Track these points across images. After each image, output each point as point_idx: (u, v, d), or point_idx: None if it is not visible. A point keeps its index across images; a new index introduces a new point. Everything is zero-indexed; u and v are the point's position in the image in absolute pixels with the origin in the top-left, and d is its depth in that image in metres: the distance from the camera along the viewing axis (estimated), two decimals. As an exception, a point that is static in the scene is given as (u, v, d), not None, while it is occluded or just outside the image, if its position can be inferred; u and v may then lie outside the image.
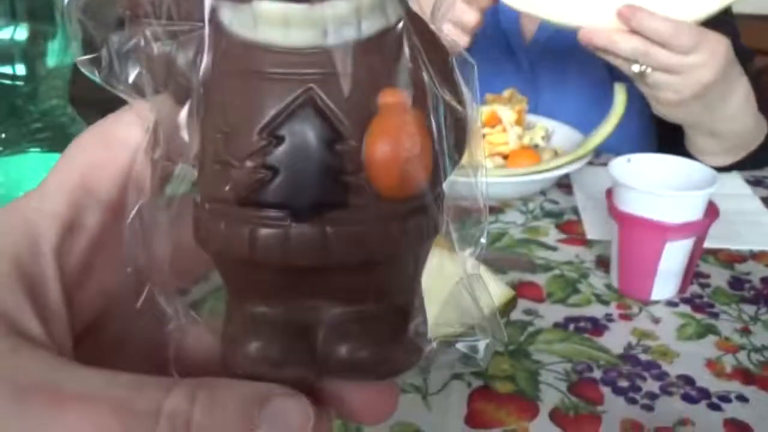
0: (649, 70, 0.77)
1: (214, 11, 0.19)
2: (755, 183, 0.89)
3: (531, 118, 0.92)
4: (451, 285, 0.25)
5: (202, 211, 0.20)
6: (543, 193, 0.85)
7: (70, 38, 0.44)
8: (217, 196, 0.19)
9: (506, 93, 0.90)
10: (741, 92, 0.82)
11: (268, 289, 0.20)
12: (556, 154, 0.88)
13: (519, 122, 0.87)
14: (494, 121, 0.86)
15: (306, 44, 0.19)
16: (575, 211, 0.81)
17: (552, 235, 0.76)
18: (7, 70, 0.44)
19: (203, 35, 0.19)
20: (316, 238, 0.19)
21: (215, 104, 0.19)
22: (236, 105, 0.19)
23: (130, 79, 0.21)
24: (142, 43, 0.20)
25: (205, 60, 0.19)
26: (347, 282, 0.20)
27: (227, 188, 0.19)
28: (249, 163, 0.19)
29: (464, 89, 0.22)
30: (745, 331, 0.59)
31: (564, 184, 0.87)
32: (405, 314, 0.22)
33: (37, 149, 0.46)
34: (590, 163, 0.86)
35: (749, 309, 0.63)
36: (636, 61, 0.77)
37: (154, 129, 0.21)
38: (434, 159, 0.20)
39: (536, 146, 0.89)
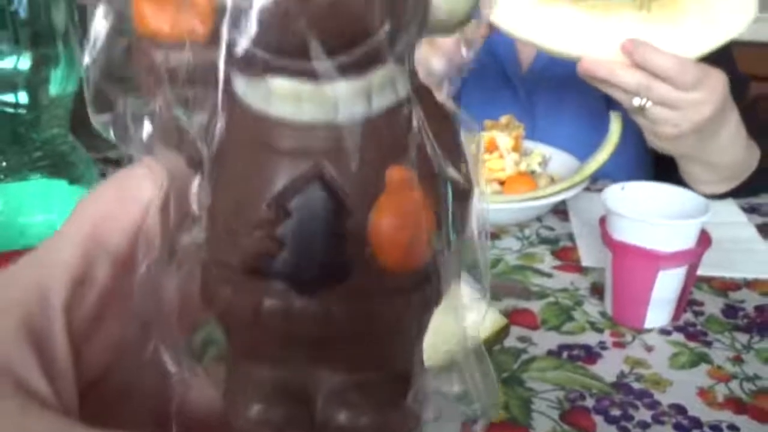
0: (649, 104, 0.77)
1: (228, 81, 0.19)
2: (750, 210, 0.90)
3: (528, 144, 0.93)
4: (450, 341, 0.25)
5: (209, 273, 0.20)
6: (539, 219, 0.86)
7: (73, 68, 0.45)
8: (224, 262, 0.20)
9: (503, 119, 0.91)
10: (733, 123, 0.83)
11: (271, 354, 0.21)
12: (552, 180, 0.88)
13: (516, 148, 0.88)
14: (492, 148, 0.87)
15: (317, 119, 0.19)
16: (571, 237, 0.82)
17: (547, 262, 0.76)
18: (10, 98, 0.45)
19: (217, 103, 0.20)
20: (319, 312, 0.19)
21: (226, 173, 0.20)
22: (246, 175, 0.19)
23: (144, 139, 0.21)
24: (157, 108, 0.21)
25: (218, 128, 0.20)
26: (349, 352, 0.21)
27: (234, 256, 0.19)
28: (257, 234, 0.19)
29: (468, 160, 0.22)
30: (738, 360, 0.60)
31: (560, 210, 0.88)
32: (405, 381, 0.22)
33: (38, 175, 0.47)
34: (587, 189, 0.87)
35: (742, 337, 0.63)
36: (636, 95, 0.77)
37: (167, 189, 0.21)
38: (439, 232, 0.21)
39: (533, 172, 0.90)
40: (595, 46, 0.78)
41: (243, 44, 0.18)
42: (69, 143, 0.47)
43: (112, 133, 0.21)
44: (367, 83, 0.19)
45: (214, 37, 0.18)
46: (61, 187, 0.48)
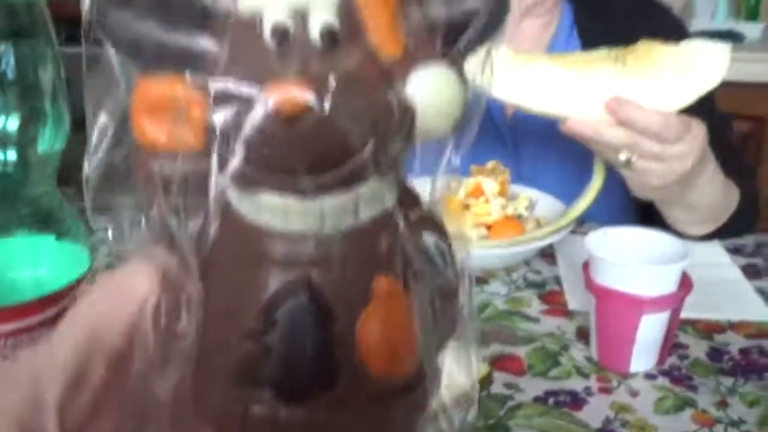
0: (634, 158, 0.78)
1: (221, 191, 0.20)
2: (734, 251, 0.91)
3: (514, 188, 0.94)
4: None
5: (199, 375, 0.21)
6: (526, 262, 0.87)
7: (61, 126, 0.46)
8: (214, 367, 0.21)
9: (489, 165, 0.93)
10: (711, 167, 0.85)
11: None
12: (539, 224, 0.89)
13: (502, 193, 0.89)
14: (478, 193, 0.88)
15: (305, 230, 0.20)
16: (558, 281, 0.82)
17: (534, 306, 0.77)
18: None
19: (209, 212, 0.20)
20: (305, 422, 0.20)
21: (217, 279, 0.21)
22: (237, 283, 0.20)
23: (140, 242, 0.22)
24: (153, 213, 0.21)
25: (211, 235, 0.21)
26: None
27: (224, 362, 0.20)
28: (244, 343, 0.20)
29: (457, 262, 0.23)
30: (723, 404, 0.60)
31: (547, 254, 0.88)
32: None
33: (25, 231, 0.48)
34: (573, 233, 0.88)
35: (727, 381, 0.64)
36: (622, 151, 0.78)
37: (159, 289, 0.22)
38: (425, 340, 0.21)
39: (520, 216, 0.90)
40: (576, 104, 0.78)
41: (233, 162, 0.19)
42: (57, 199, 0.48)
43: (110, 233, 0.22)
44: (354, 196, 0.20)
45: (207, 150, 0.19)
46: (49, 242, 0.48)
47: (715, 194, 0.88)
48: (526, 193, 0.93)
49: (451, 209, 0.85)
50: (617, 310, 0.63)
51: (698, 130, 0.79)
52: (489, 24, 0.23)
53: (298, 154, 0.19)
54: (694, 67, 0.78)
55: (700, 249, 0.89)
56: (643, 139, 0.76)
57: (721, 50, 0.78)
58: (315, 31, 0.19)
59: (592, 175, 0.87)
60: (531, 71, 0.81)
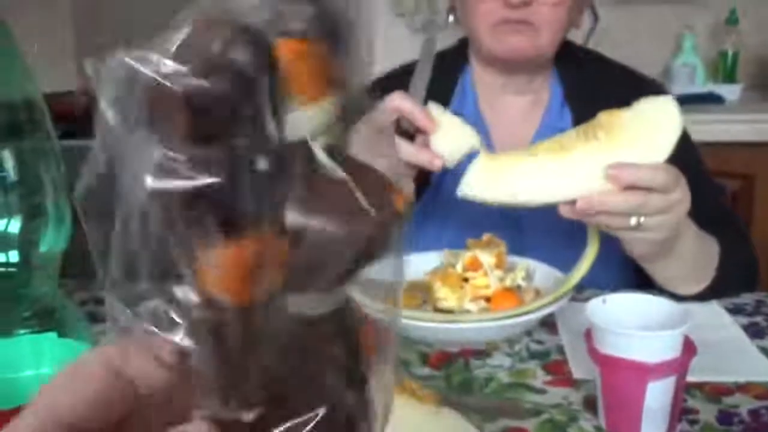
0: (643, 219, 0.79)
1: None
2: (735, 311, 0.91)
3: (511, 259, 0.95)
4: None
5: None
6: (528, 333, 0.87)
7: (63, 225, 0.47)
8: None
9: (485, 238, 0.94)
10: (688, 220, 0.87)
11: None
12: (538, 293, 0.90)
13: (499, 265, 0.90)
14: (476, 266, 0.89)
15: None
16: (561, 350, 0.82)
17: (539, 377, 0.76)
18: (1, 258, 0.46)
19: None
20: None
21: None
22: None
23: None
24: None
25: None
26: None
27: None
28: None
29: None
30: (737, 469, 0.59)
31: (548, 323, 0.88)
32: None
33: (27, 331, 0.48)
34: (573, 300, 0.88)
35: (739, 445, 0.63)
36: (631, 215, 0.79)
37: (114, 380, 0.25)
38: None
39: (518, 287, 0.91)
40: (571, 189, 0.80)
41: None
42: (59, 300, 0.48)
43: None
44: None
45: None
46: (51, 340, 0.49)
47: (694, 241, 0.90)
48: (523, 264, 0.94)
49: (449, 284, 0.86)
50: (622, 378, 0.63)
51: (679, 171, 0.81)
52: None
53: None
54: (657, 121, 0.80)
55: (700, 310, 0.90)
56: (650, 196, 0.78)
57: (666, 100, 0.82)
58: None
59: (587, 241, 0.88)
60: (511, 169, 0.83)
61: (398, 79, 1.14)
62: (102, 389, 0.25)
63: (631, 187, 0.78)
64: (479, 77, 1.11)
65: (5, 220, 0.46)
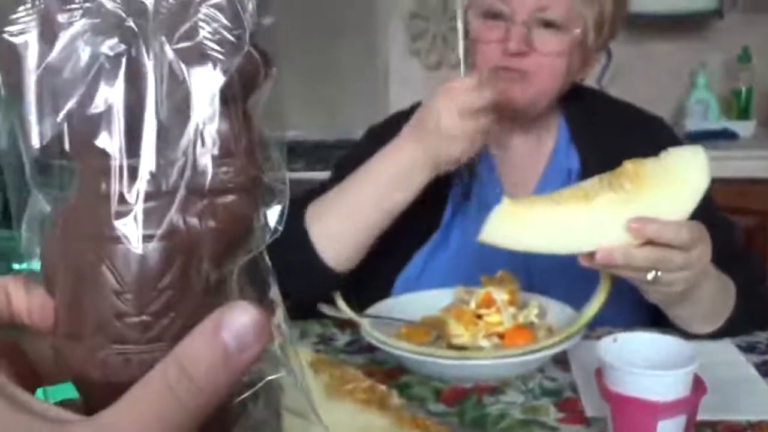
0: (660, 273, 0.80)
1: None
2: (748, 349, 0.91)
3: (524, 296, 0.96)
4: None
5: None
6: (541, 370, 0.88)
7: None
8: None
9: (499, 275, 0.95)
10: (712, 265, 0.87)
11: None
12: (551, 330, 0.91)
13: (512, 302, 0.91)
14: (489, 303, 0.90)
15: None
16: (573, 387, 0.83)
17: (552, 414, 0.77)
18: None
19: None
20: None
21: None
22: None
23: None
24: None
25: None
26: None
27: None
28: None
29: None
30: None
31: (561, 360, 0.89)
32: None
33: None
34: (586, 338, 0.89)
35: (751, 484, 0.63)
36: (650, 270, 0.80)
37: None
38: None
39: (531, 324, 0.92)
40: (591, 240, 0.81)
41: None
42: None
43: None
44: None
45: None
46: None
47: (710, 293, 0.90)
48: (536, 301, 0.95)
49: (463, 320, 0.87)
50: (633, 416, 0.64)
51: (702, 227, 0.82)
52: None
53: None
54: (684, 173, 0.81)
55: (712, 348, 0.90)
56: (671, 253, 0.79)
57: (695, 151, 0.82)
58: None
59: (600, 279, 0.89)
60: (534, 217, 0.84)
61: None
62: None
63: (652, 242, 0.79)
64: None
65: (38, 260, 0.48)
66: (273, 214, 0.26)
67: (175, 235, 0.24)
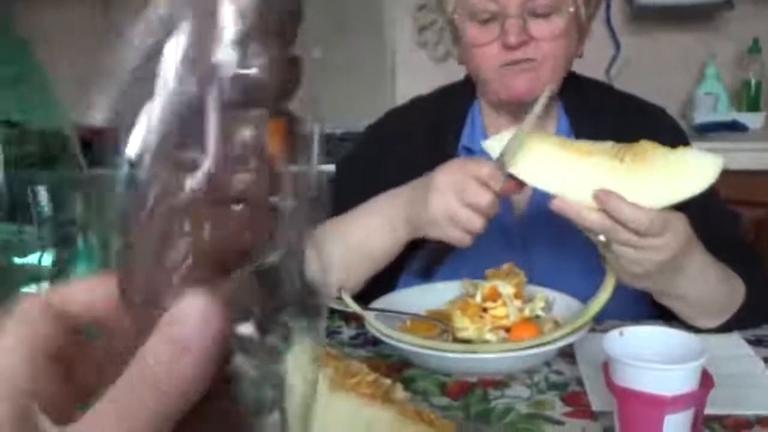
0: (613, 242, 0.81)
1: None
2: (756, 342, 0.91)
3: (531, 289, 0.95)
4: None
5: None
6: (547, 363, 0.87)
7: (93, 262, 0.49)
8: None
9: (505, 267, 0.94)
10: (697, 261, 0.86)
11: None
12: (557, 324, 0.90)
13: (518, 296, 0.91)
14: (495, 296, 0.90)
15: None
16: (580, 381, 0.82)
17: (558, 409, 0.77)
18: (33, 291, 0.48)
19: None
20: None
21: None
22: None
23: None
24: None
25: None
26: None
27: None
28: None
29: None
30: (756, 504, 0.59)
31: (567, 354, 0.89)
32: None
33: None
34: (592, 331, 0.88)
35: (758, 479, 0.63)
36: (601, 234, 0.81)
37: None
38: None
39: (537, 317, 0.91)
40: (568, 186, 0.83)
41: None
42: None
43: None
44: None
45: None
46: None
47: (710, 287, 0.89)
48: (542, 294, 0.94)
49: (469, 314, 0.87)
50: (639, 411, 0.63)
51: (679, 226, 0.81)
52: None
53: None
54: (684, 172, 0.81)
55: (720, 341, 0.89)
56: (622, 229, 0.79)
57: (713, 162, 0.81)
58: None
59: (606, 273, 0.89)
60: (538, 149, 0.86)
61: (420, 107, 1.17)
62: (46, 336, 0.25)
63: (611, 215, 0.79)
64: (487, 112, 1.12)
65: (38, 254, 0.48)
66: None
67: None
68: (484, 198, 0.86)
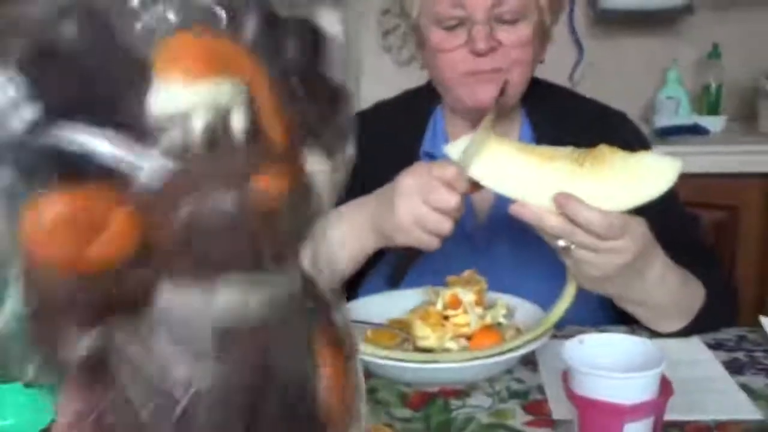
0: (573, 246, 0.81)
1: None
2: (716, 346, 0.91)
3: (492, 295, 0.94)
4: None
5: None
6: (509, 371, 0.86)
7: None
8: None
9: (466, 274, 0.93)
10: (658, 264, 0.86)
11: None
12: (518, 331, 0.89)
13: (479, 303, 0.90)
14: (456, 304, 0.89)
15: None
16: (541, 389, 0.82)
17: (519, 418, 0.76)
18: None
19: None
20: None
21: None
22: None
23: None
24: None
25: None
26: None
27: None
28: None
29: None
30: None
31: (530, 361, 0.88)
32: None
33: None
34: (554, 337, 0.88)
35: (718, 487, 0.62)
36: (561, 238, 0.81)
37: None
38: None
39: (499, 324, 0.91)
40: (529, 191, 0.82)
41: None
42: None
43: None
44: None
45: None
46: (16, 390, 0.48)
47: (670, 291, 0.89)
48: (503, 301, 0.94)
49: (430, 322, 0.85)
50: (599, 419, 0.62)
51: (638, 225, 0.81)
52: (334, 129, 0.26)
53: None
54: (643, 176, 0.81)
55: (680, 346, 0.90)
56: (581, 232, 0.79)
57: (672, 165, 0.81)
58: (239, 129, 0.22)
59: (567, 279, 0.88)
60: (499, 155, 0.86)
61: (388, 109, 1.15)
62: None
63: (570, 219, 0.79)
64: (449, 117, 1.11)
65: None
66: None
67: None
68: (451, 200, 0.85)
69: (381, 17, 2.43)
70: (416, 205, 0.86)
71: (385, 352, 0.82)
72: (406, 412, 0.78)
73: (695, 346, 0.91)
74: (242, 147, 0.23)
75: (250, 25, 0.24)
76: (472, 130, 1.01)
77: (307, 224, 0.26)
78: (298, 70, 0.26)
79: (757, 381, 0.82)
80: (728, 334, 0.95)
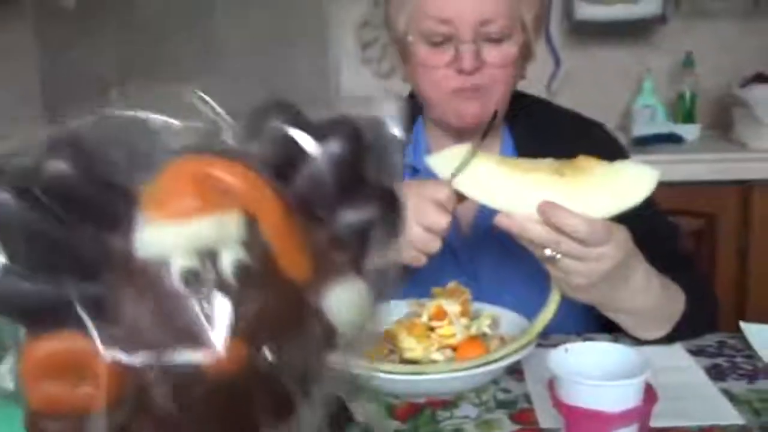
0: (558, 255, 0.82)
1: None
2: (697, 353, 0.92)
3: (477, 306, 0.95)
4: None
5: None
6: (495, 381, 0.87)
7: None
8: None
9: (450, 285, 0.94)
10: (640, 271, 0.87)
11: None
12: (503, 341, 0.90)
13: (465, 313, 0.90)
14: (441, 315, 0.89)
15: None
16: (528, 398, 0.82)
17: (506, 428, 0.76)
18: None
19: None
20: None
21: None
22: None
23: None
24: None
25: None
26: None
27: None
28: None
29: None
30: None
31: (516, 370, 0.89)
32: None
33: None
34: (539, 346, 0.88)
35: (703, 491, 0.63)
36: (547, 247, 0.82)
37: None
38: None
39: (484, 335, 0.91)
40: (512, 202, 0.84)
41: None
42: None
43: None
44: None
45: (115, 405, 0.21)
46: None
47: (652, 298, 0.90)
48: (488, 311, 0.94)
49: (416, 333, 0.86)
50: (585, 428, 0.63)
51: (621, 235, 0.83)
52: (386, 230, 0.26)
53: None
54: (622, 185, 0.83)
55: (662, 352, 0.91)
56: (566, 240, 0.80)
57: (650, 173, 0.83)
58: (228, 271, 0.21)
59: (551, 288, 0.89)
60: (482, 168, 0.88)
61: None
62: None
63: (555, 227, 0.80)
64: (431, 129, 1.12)
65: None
66: None
67: None
68: (442, 221, 0.86)
69: (360, 30, 2.44)
70: (409, 226, 0.86)
71: (372, 365, 0.83)
72: (394, 424, 0.78)
73: (677, 352, 0.92)
74: (233, 288, 0.22)
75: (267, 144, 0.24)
76: (454, 142, 1.02)
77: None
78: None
79: (738, 386, 0.83)
80: (709, 340, 0.96)
